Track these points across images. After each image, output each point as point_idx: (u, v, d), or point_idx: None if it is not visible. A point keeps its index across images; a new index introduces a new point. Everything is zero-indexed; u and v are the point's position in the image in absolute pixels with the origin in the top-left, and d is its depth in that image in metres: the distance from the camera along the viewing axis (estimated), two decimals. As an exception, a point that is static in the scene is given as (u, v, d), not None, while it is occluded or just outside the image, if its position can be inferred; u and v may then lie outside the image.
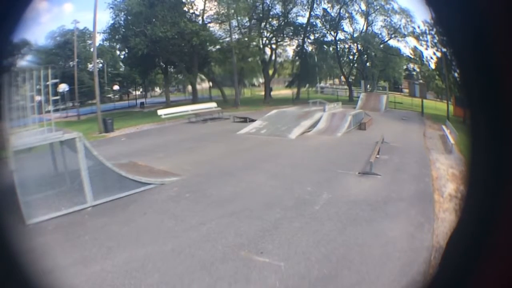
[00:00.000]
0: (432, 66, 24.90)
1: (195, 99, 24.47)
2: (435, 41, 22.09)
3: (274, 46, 27.48)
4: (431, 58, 24.92)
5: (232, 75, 23.51)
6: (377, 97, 21.37)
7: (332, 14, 26.30)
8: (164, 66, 25.56)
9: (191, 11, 23.69)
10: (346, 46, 27.51)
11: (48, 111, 7.65)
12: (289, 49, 29.10)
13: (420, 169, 7.16)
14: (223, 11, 23.43)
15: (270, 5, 26.04)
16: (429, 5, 0.68)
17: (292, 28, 27.08)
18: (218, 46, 24.50)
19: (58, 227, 4.68)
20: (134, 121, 17.20)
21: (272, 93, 28.36)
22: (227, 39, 24.42)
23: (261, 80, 29.67)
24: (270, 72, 27.76)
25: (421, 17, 21.20)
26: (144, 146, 10.40)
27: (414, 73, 27.57)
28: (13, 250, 0.80)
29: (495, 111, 0.61)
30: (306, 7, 26.26)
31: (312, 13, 26.21)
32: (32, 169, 5.59)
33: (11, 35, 0.72)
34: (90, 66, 25.27)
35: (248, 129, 12.53)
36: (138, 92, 31.15)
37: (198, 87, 25.83)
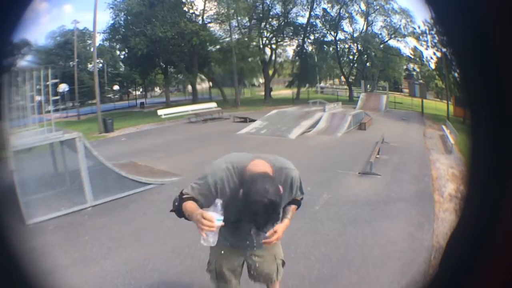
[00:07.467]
0: (432, 66, 24.94)
1: (195, 99, 24.47)
2: (435, 41, 22.12)
3: (274, 46, 27.47)
4: (431, 58, 24.95)
5: (232, 75, 23.53)
6: (377, 97, 21.37)
7: (332, 14, 26.31)
8: (164, 66, 25.54)
9: (191, 11, 23.70)
10: (346, 46, 27.53)
11: (48, 111, 7.63)
12: (289, 49, 29.10)
13: (420, 169, 7.16)
14: (223, 11, 23.44)
15: (270, 5, 26.05)
16: (429, 5, 0.68)
17: (292, 28, 27.08)
18: (218, 46, 24.51)
19: (58, 227, 4.68)
20: (134, 121, 17.18)
21: (272, 93, 28.35)
22: (227, 39, 24.43)
23: (261, 80, 29.67)
24: (270, 72, 27.74)
25: (421, 17, 21.24)
26: (144, 146, 10.40)
27: (414, 73, 27.58)
28: (13, 250, 0.80)
29: (495, 111, 0.61)
30: (306, 7, 26.26)
31: (312, 13, 26.23)
32: (32, 169, 5.58)
33: (11, 35, 0.72)
34: (90, 66, 25.26)
35: (248, 129, 12.52)
36: (138, 92, 31.15)
37: (198, 87, 25.85)
